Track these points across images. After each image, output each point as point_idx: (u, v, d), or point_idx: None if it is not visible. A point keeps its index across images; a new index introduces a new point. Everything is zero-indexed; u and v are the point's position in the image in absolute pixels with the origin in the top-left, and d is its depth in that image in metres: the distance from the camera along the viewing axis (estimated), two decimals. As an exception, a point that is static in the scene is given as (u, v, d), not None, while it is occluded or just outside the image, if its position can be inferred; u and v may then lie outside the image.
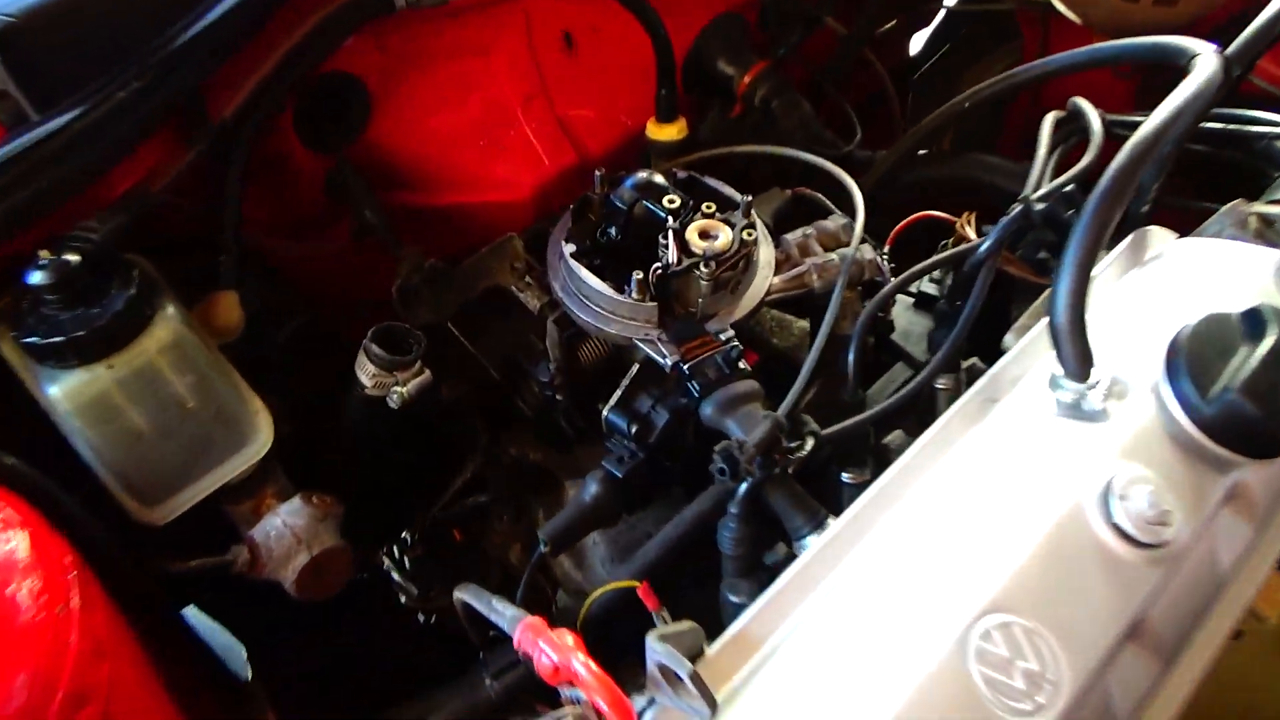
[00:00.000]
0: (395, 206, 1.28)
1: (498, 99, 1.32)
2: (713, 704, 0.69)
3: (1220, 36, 1.73)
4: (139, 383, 0.86)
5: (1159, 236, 1.12)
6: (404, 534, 1.13)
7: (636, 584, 0.92)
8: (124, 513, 0.89)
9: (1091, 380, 0.88)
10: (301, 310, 1.15)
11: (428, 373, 1.01)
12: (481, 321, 1.24)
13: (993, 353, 1.17)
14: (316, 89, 1.16)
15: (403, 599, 1.17)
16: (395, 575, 1.14)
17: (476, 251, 1.20)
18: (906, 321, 1.24)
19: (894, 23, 1.96)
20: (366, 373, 0.99)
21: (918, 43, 2.14)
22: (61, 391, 0.83)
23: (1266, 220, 1.07)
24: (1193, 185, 1.36)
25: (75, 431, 0.85)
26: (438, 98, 1.28)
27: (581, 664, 0.72)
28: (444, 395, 1.24)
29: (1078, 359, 0.86)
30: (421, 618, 1.18)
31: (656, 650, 0.73)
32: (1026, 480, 0.84)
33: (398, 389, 0.98)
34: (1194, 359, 0.87)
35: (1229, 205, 1.11)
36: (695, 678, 0.68)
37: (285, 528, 0.92)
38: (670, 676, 0.71)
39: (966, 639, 0.74)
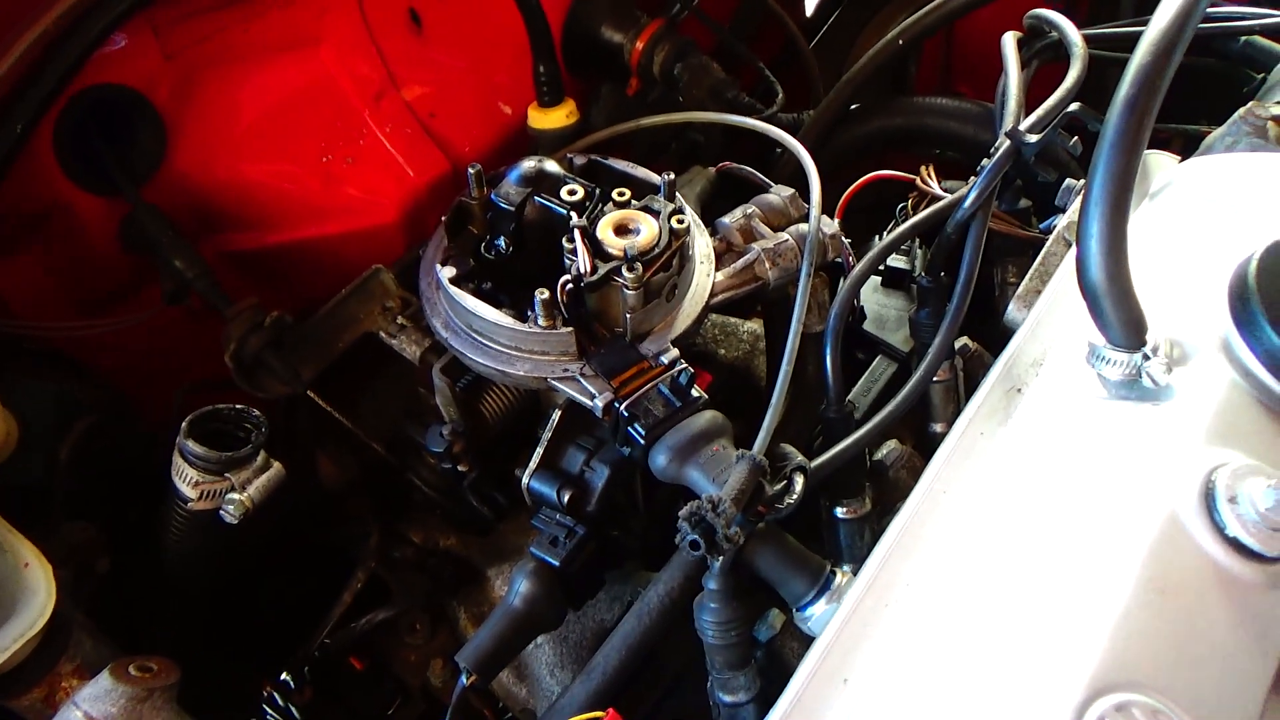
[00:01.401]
0: (221, 254, 1.05)
1: (336, 101, 1.09)
2: None
3: None
4: None
5: (1160, 161, 0.96)
6: (284, 675, 0.86)
7: (600, 715, 0.68)
8: None
9: (1148, 347, 0.69)
10: (92, 407, 0.87)
11: (275, 465, 0.75)
12: (354, 383, 0.99)
13: (982, 329, 0.98)
14: (84, 107, 0.89)
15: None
16: (282, 727, 0.87)
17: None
18: (877, 305, 1.03)
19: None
20: (187, 480, 0.72)
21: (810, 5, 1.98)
22: None
23: (1291, 122, 0.89)
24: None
25: None
26: (256, 109, 1.05)
27: None
28: (324, 478, 0.99)
29: (1126, 324, 0.70)
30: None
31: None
32: (1096, 494, 0.69)
33: (234, 496, 0.72)
34: (1270, 299, 0.71)
35: (1239, 113, 0.94)
36: None
37: (90, 722, 0.64)
38: None
39: None
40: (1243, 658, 0.60)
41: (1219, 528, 0.62)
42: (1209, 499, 0.63)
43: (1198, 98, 1.16)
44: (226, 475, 0.72)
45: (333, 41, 1.08)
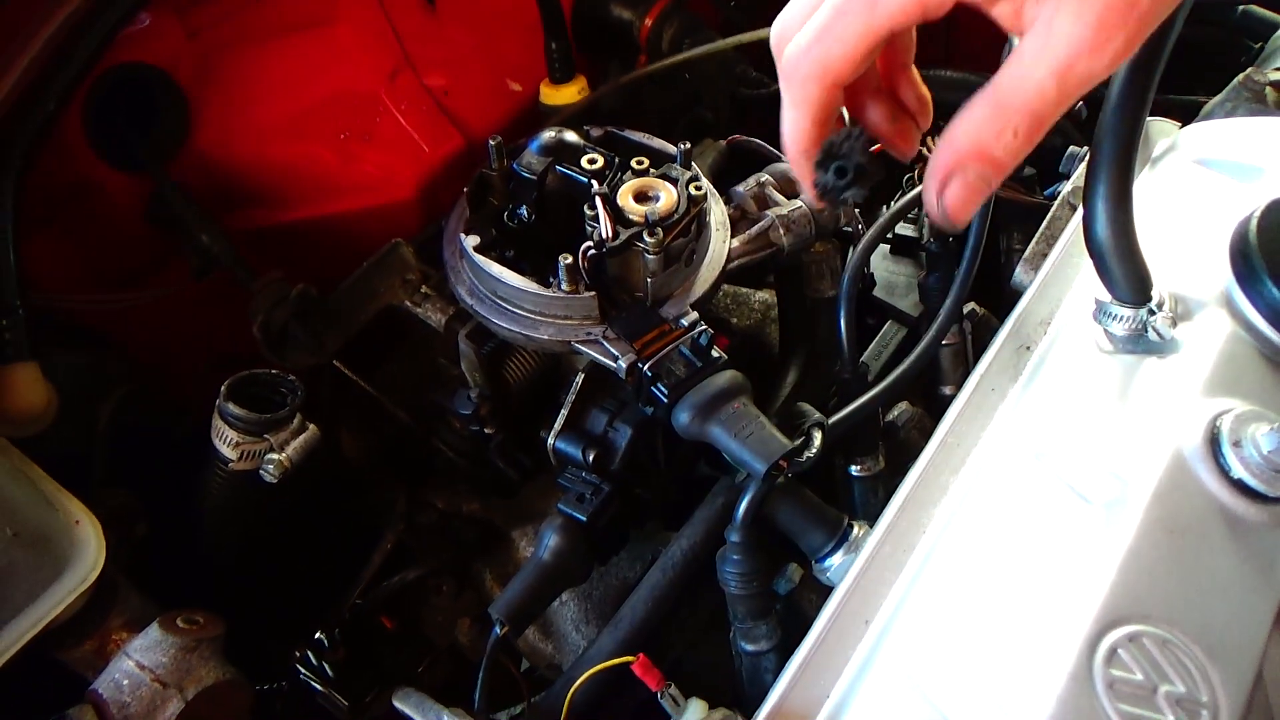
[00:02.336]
0: (243, 231, 1.06)
1: (353, 80, 1.11)
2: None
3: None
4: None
5: (1162, 128, 0.98)
6: (318, 634, 0.88)
7: (630, 659, 0.70)
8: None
9: (1154, 301, 0.71)
10: (126, 378, 0.89)
11: (312, 427, 0.77)
12: (376, 354, 1.02)
13: (988, 294, 1.01)
14: (111, 86, 0.91)
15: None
16: (316, 686, 0.90)
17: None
18: (885, 272, 1.06)
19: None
20: (228, 442, 0.74)
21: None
22: None
23: (1286, 86, 0.91)
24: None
25: None
26: (275, 85, 1.06)
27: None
28: (345, 451, 1.01)
29: (1132, 281, 0.73)
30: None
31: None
32: (1106, 442, 0.72)
33: (273, 456, 0.74)
34: (1270, 254, 0.75)
35: (1237, 79, 0.97)
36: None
37: (141, 671, 0.67)
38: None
39: (1090, 667, 0.59)
40: (1247, 593, 0.63)
41: (1224, 470, 0.66)
42: (1214, 444, 0.66)
43: (1196, 69, 1.18)
44: (265, 436, 0.75)
45: (348, 21, 1.09)
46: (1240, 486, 0.64)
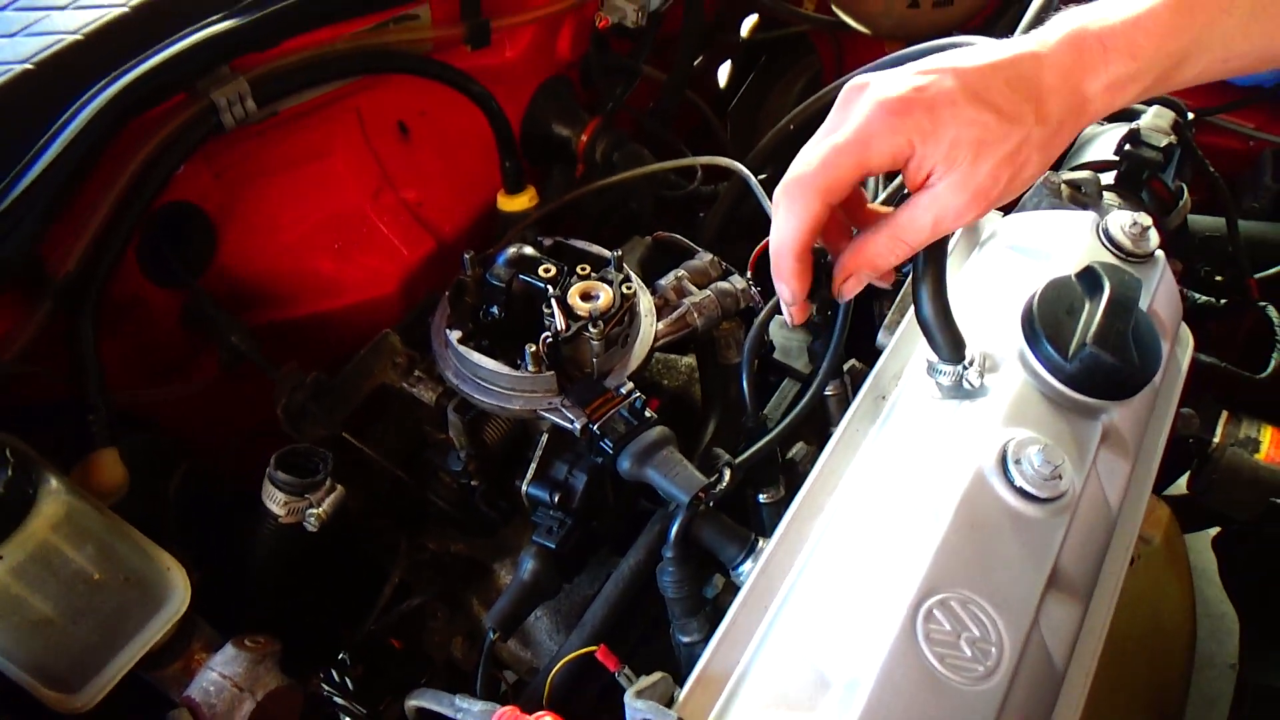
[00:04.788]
0: (257, 325, 1.25)
1: (344, 199, 1.32)
2: (703, 742, 0.70)
3: (989, 27, 1.92)
4: (37, 567, 0.81)
5: (989, 217, 1.22)
6: (341, 656, 1.09)
7: (594, 648, 0.92)
8: (43, 708, 0.82)
9: (966, 360, 0.95)
10: (182, 455, 1.10)
11: (340, 488, 0.99)
12: (365, 423, 1.22)
13: (867, 352, 1.25)
14: (156, 224, 1.13)
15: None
16: (338, 699, 1.10)
17: (350, 356, 1.18)
18: (783, 339, 1.29)
19: (700, 59, 2.06)
20: (276, 501, 0.96)
21: (723, 73, 2.26)
22: (-47, 595, 0.77)
23: (1075, 186, 1.19)
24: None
25: (-25, 633, 0.79)
26: (283, 209, 1.27)
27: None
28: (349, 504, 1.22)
29: (950, 345, 0.92)
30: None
31: (638, 707, 0.74)
32: (932, 464, 0.88)
33: (313, 511, 0.96)
34: (1047, 323, 0.93)
35: (1041, 178, 1.22)
36: (681, 723, 0.69)
37: (223, 679, 0.87)
38: (657, 727, 0.72)
39: (914, 625, 0.77)
40: (1026, 567, 0.80)
41: (1009, 480, 0.82)
42: (1003, 461, 0.83)
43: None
44: (306, 496, 0.97)
45: (340, 153, 1.30)
46: (1021, 492, 0.81)
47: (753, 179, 1.26)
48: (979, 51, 0.75)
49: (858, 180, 0.72)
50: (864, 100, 0.71)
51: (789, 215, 0.71)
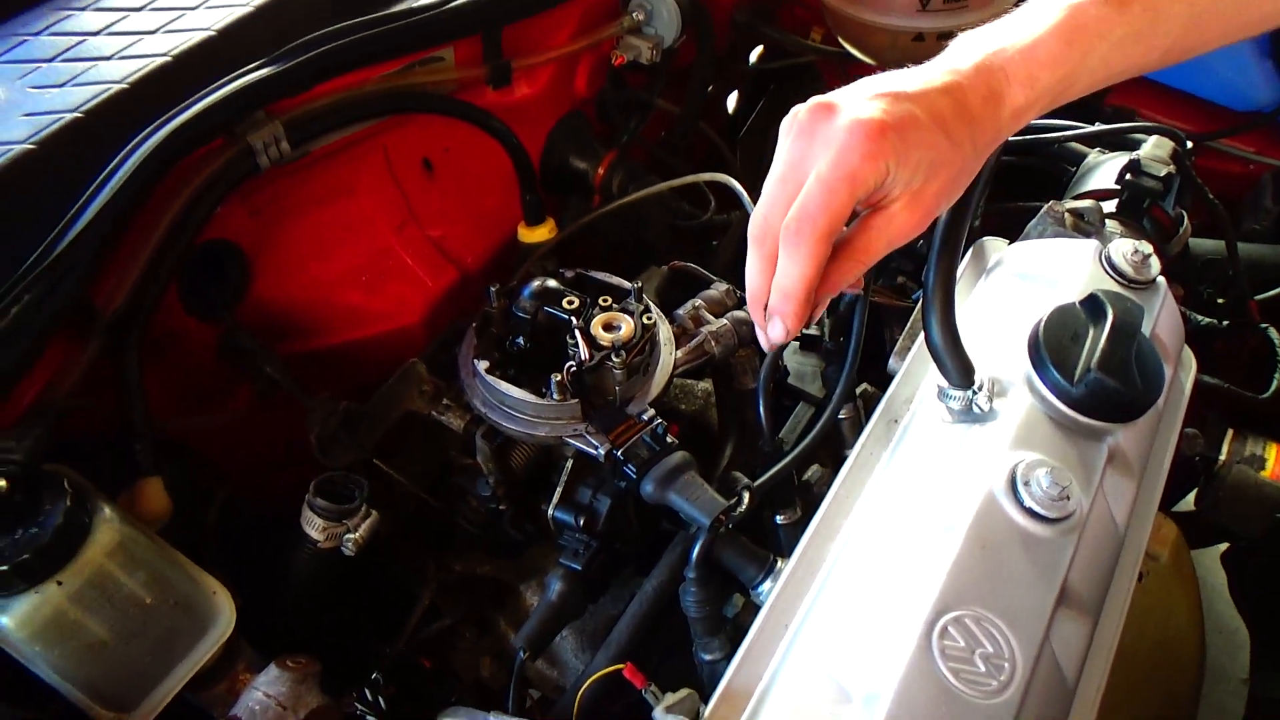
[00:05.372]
0: (288, 356, 1.29)
1: (372, 235, 1.36)
2: (730, 757, 0.73)
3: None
4: (93, 592, 0.85)
5: (995, 245, 1.25)
6: (374, 675, 1.13)
7: (621, 666, 0.96)
8: (98, 727, 0.86)
9: (975, 386, 0.98)
10: (221, 483, 1.15)
11: (375, 513, 1.03)
12: (391, 449, 1.26)
13: (878, 376, 1.29)
14: (195, 261, 1.17)
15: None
16: (372, 718, 1.13)
17: (375, 383, 1.22)
18: (797, 364, 1.34)
19: (710, 89, 2.10)
20: (315, 527, 1.00)
21: (731, 100, 2.31)
22: (14, 620, 0.81)
23: (1078, 214, 1.22)
24: (1002, 189, 1.53)
25: (34, 656, 0.83)
26: (314, 244, 1.31)
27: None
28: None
29: (959, 371, 0.94)
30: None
31: (666, 722, 0.78)
32: (944, 486, 0.91)
33: (350, 536, 1.00)
34: (1053, 349, 0.97)
35: (1045, 207, 1.26)
36: (710, 738, 0.72)
37: (268, 699, 0.91)
38: (685, 743, 0.75)
39: (930, 642, 0.80)
40: (1037, 584, 0.83)
41: (1019, 501, 0.84)
42: (1013, 483, 0.85)
43: (1032, 187, 1.50)
44: (344, 521, 1.01)
45: (367, 189, 1.35)
46: (1030, 512, 0.84)
47: (744, 194, 1.30)
48: (910, 76, 0.76)
49: (851, 211, 0.71)
50: (838, 125, 0.70)
51: (795, 260, 0.70)
